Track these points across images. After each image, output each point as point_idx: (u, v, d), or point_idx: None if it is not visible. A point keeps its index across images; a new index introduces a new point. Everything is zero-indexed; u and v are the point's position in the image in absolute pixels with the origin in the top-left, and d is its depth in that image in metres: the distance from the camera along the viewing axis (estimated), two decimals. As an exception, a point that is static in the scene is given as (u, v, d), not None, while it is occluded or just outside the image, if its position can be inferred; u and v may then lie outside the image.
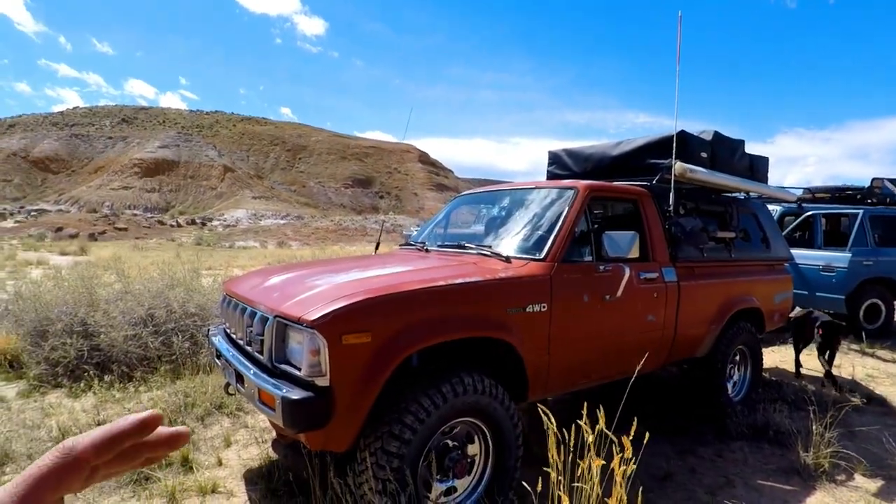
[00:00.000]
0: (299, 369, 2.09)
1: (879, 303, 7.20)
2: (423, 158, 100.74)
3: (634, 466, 1.68)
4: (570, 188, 3.16)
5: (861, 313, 7.08)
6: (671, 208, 3.51)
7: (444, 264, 2.86)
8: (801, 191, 7.85)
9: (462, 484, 2.46)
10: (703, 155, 3.84)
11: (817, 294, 6.29)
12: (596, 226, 3.21)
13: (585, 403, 2.07)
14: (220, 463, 3.10)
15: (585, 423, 1.75)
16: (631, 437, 1.66)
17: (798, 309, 5.23)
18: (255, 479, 2.93)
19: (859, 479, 3.04)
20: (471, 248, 3.11)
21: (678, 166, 3.48)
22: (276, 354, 2.21)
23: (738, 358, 4.12)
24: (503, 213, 3.47)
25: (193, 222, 36.77)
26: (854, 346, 6.31)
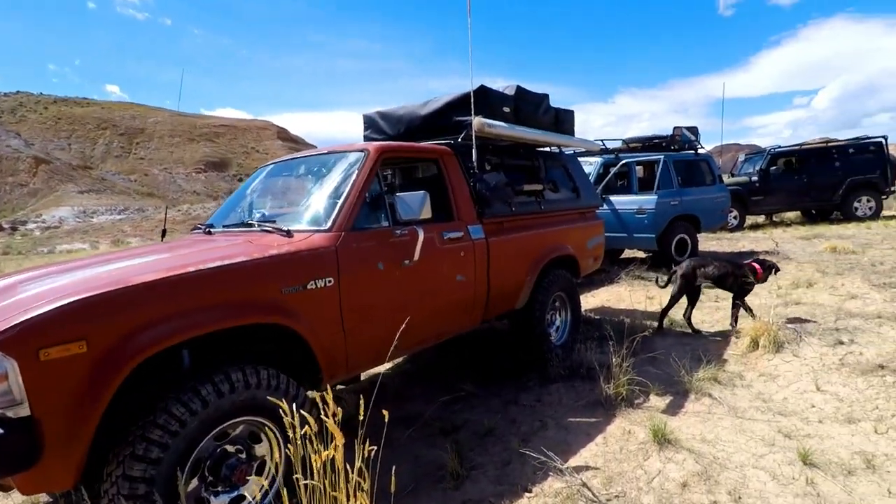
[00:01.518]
0: (-18, 403, 1.62)
1: (686, 237, 8.24)
2: (283, 135, 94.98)
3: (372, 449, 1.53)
4: (361, 151, 2.93)
5: (672, 248, 8.05)
6: (475, 165, 3.47)
7: (214, 247, 2.48)
8: (619, 142, 8.58)
9: (253, 489, 2.19)
10: (506, 109, 3.86)
11: (634, 235, 6.97)
12: (391, 189, 3.05)
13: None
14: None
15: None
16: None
17: (686, 262, 5.00)
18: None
19: (653, 400, 3.35)
20: (254, 226, 2.77)
21: (476, 121, 3.44)
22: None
23: (557, 304, 4.33)
24: (297, 183, 3.15)
25: (1, 228, 30.67)
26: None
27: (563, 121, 4.61)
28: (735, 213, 12.31)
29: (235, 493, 2.12)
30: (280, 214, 2.97)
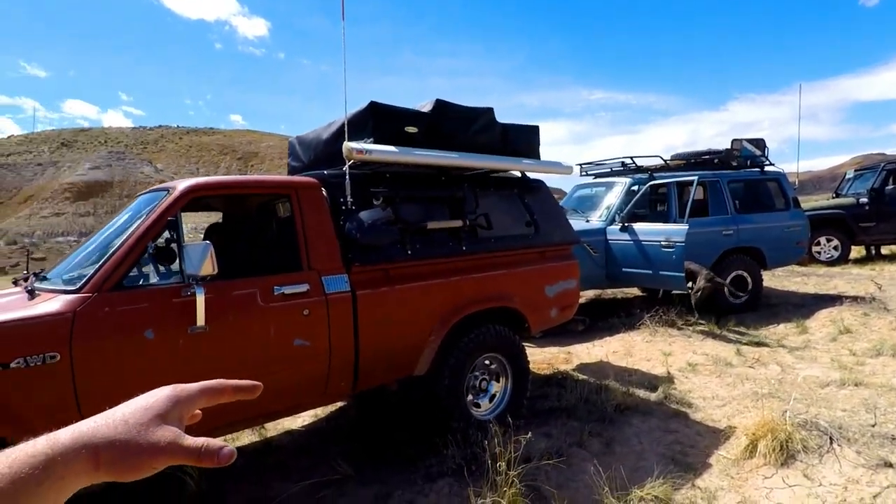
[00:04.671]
0: None
1: (745, 275, 6.75)
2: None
3: None
4: (164, 190, 2.44)
5: (726, 288, 6.62)
6: (348, 201, 2.83)
7: None
8: (664, 160, 7.34)
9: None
10: (411, 130, 3.17)
11: (660, 273, 5.76)
12: (192, 238, 2.51)
13: None
14: None
15: None
16: None
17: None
18: None
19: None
20: (46, 281, 2.37)
21: (345, 147, 2.80)
22: None
23: (493, 366, 3.48)
24: (109, 228, 2.71)
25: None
26: (703, 327, 5.81)
27: (513, 140, 3.78)
28: (836, 242, 10.13)
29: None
30: (81, 267, 2.55)
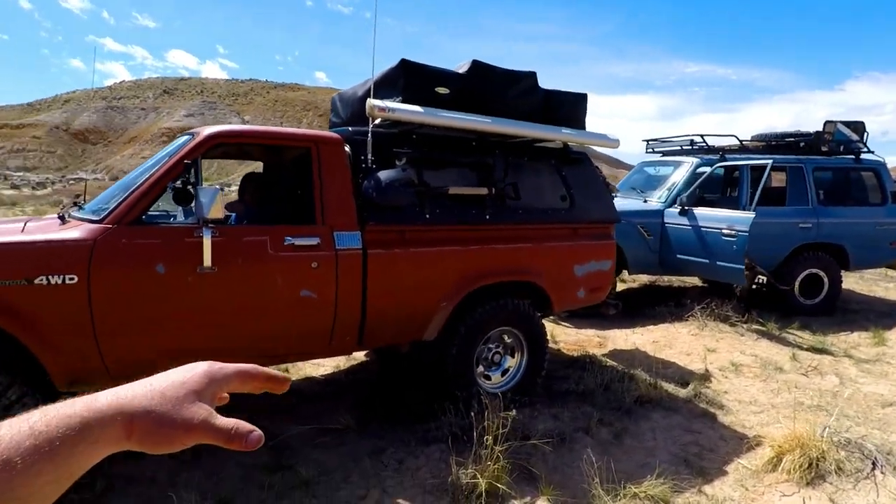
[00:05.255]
0: None
1: (821, 274, 6.12)
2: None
3: None
4: (190, 135, 2.53)
5: (796, 287, 6.05)
6: (369, 159, 2.81)
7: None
8: (739, 140, 6.69)
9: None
10: (441, 91, 3.06)
11: (718, 263, 5.32)
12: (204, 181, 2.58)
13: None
14: None
15: None
16: None
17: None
18: None
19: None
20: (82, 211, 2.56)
21: (368, 104, 2.76)
22: None
23: (509, 340, 3.41)
24: (143, 167, 2.85)
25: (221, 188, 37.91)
26: (761, 327, 5.36)
27: (556, 108, 3.55)
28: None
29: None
30: (109, 200, 2.72)
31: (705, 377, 4.02)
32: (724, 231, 5.23)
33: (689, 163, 6.19)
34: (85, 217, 2.30)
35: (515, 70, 3.37)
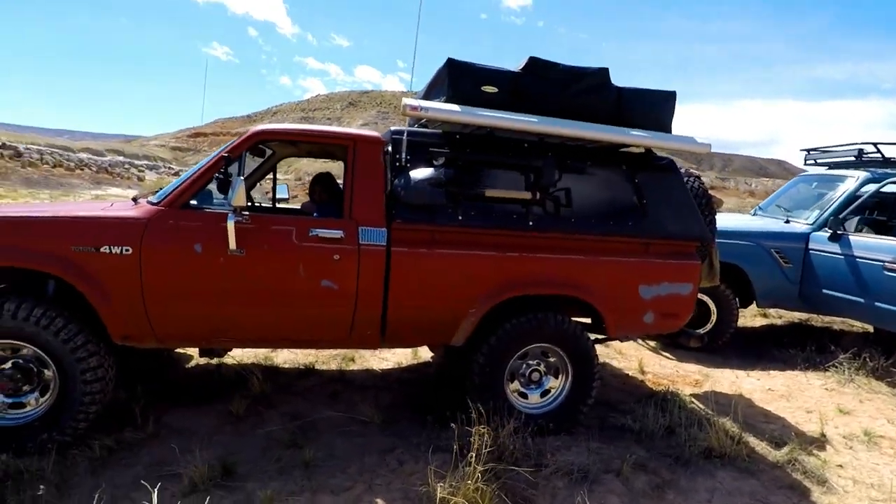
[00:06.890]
0: None
1: None
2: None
3: None
4: (246, 132, 2.83)
5: None
6: (403, 158, 2.83)
7: (81, 206, 2.90)
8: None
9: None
10: (489, 89, 2.94)
11: (876, 304, 4.19)
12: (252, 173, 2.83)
13: None
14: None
15: None
16: None
17: None
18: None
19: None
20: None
21: (403, 103, 2.77)
22: None
23: (552, 359, 3.12)
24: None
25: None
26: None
27: (631, 108, 3.16)
28: None
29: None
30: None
31: (817, 442, 3.20)
32: (888, 264, 4.12)
33: (854, 177, 5.00)
34: (150, 200, 2.72)
35: (581, 67, 3.10)
